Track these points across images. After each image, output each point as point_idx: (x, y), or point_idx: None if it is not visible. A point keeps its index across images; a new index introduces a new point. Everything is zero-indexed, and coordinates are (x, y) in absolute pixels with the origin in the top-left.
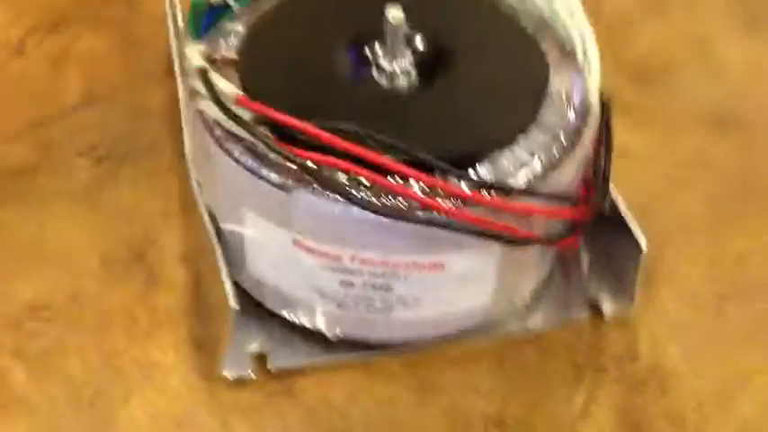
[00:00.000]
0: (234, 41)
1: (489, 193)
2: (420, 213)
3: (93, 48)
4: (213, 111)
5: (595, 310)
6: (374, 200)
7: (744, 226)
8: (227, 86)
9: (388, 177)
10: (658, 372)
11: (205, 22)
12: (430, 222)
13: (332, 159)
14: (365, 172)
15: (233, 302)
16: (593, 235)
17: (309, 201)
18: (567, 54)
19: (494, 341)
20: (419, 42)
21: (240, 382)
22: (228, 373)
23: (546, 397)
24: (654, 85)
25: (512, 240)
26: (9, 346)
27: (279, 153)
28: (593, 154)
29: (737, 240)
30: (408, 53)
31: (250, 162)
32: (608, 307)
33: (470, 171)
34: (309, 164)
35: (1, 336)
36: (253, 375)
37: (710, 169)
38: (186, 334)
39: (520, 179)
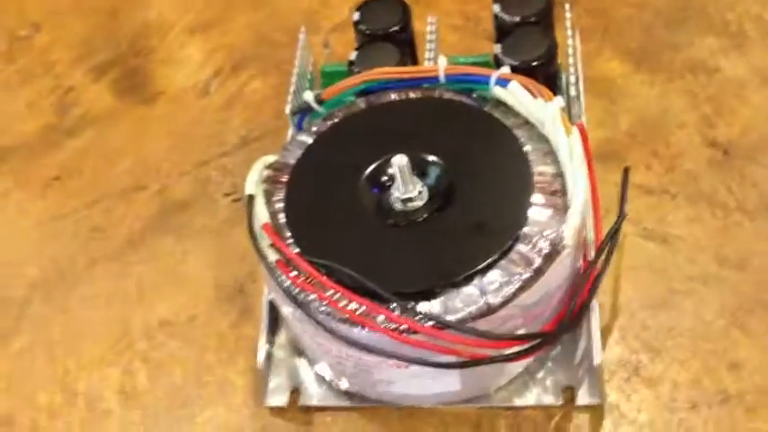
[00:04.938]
0: (299, 152)
1: (431, 324)
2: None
3: (258, 91)
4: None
5: (573, 394)
6: (334, 324)
7: (755, 336)
8: (262, 213)
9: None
10: None
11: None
12: (376, 350)
13: (309, 286)
14: (331, 301)
15: (261, 364)
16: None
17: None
18: (560, 194)
19: (475, 409)
20: (432, 173)
21: (278, 410)
22: (269, 403)
23: None
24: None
25: (460, 363)
26: (141, 353)
27: (274, 275)
28: (572, 282)
29: (741, 350)
30: (419, 183)
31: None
32: (581, 396)
33: (423, 304)
34: (292, 288)
35: (138, 343)
36: (286, 406)
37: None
38: (256, 363)
39: (461, 316)
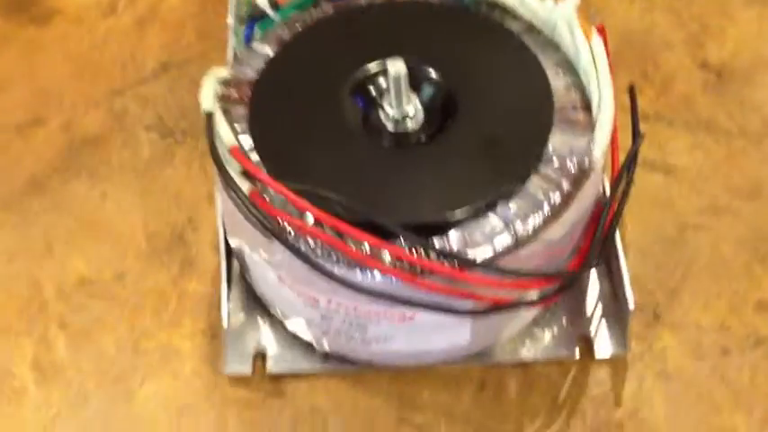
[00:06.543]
0: (258, 64)
1: (450, 264)
2: (377, 279)
3: (177, 8)
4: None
5: (589, 345)
6: (331, 266)
7: None
8: (227, 134)
9: (353, 242)
10: (635, 422)
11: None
12: (383, 295)
13: (296, 221)
14: (325, 236)
15: (225, 323)
16: (598, 270)
17: (285, 251)
18: (580, 108)
19: (479, 366)
20: (426, 87)
21: (240, 379)
22: (230, 371)
23: (516, 430)
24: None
25: (477, 310)
26: (57, 318)
27: (248, 210)
28: (594, 212)
29: (766, 287)
30: (414, 98)
31: (240, 203)
32: (601, 347)
33: (437, 239)
34: (274, 225)
35: (53, 306)
36: (250, 374)
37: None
38: (206, 325)
39: (484, 252)
